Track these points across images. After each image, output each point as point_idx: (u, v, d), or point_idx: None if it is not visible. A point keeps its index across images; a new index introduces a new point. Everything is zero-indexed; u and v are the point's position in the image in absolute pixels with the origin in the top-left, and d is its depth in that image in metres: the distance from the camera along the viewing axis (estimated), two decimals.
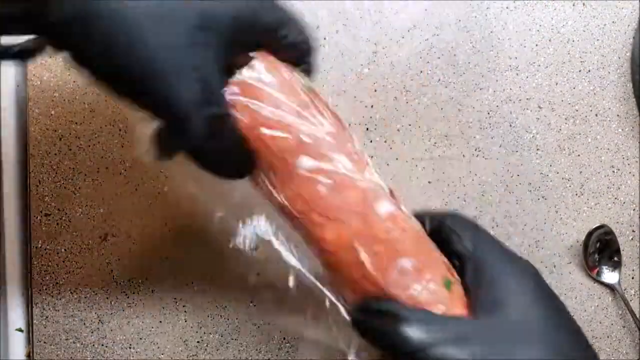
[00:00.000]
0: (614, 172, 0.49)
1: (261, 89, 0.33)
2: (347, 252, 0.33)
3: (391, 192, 0.34)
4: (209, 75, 0.31)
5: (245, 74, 0.33)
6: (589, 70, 0.49)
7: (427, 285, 0.32)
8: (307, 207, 0.33)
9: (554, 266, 0.49)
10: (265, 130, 0.33)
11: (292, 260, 0.35)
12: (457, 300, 0.33)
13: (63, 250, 0.48)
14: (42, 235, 0.49)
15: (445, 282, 0.33)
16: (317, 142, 0.33)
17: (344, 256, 0.33)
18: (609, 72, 0.49)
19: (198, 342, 0.49)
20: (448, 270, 0.34)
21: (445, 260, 0.34)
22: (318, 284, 0.35)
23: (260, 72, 0.33)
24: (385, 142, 0.49)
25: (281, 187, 0.34)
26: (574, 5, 0.49)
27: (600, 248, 0.49)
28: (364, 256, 0.32)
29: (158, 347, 0.49)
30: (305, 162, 0.33)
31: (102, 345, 0.48)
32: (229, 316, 0.49)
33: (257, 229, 0.37)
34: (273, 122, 0.33)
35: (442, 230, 0.35)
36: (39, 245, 0.49)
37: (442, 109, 0.49)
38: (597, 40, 0.49)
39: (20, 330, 0.49)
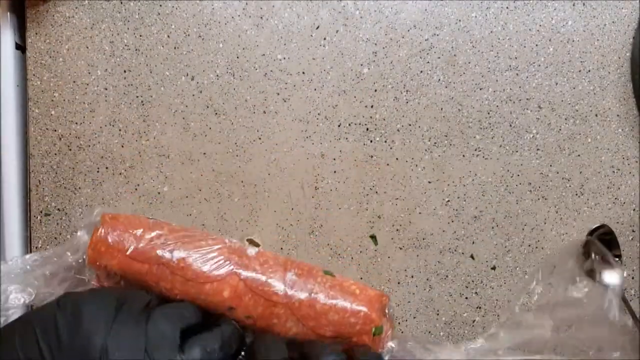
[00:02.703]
0: (614, 172, 0.49)
1: None
2: None
3: None
4: None
5: None
6: (589, 70, 0.49)
7: None
8: None
9: (554, 266, 0.49)
10: None
11: None
12: None
13: None
14: (42, 235, 0.49)
15: None
16: None
17: None
18: (609, 72, 0.49)
19: None
20: None
21: None
22: None
23: None
24: (385, 142, 0.49)
25: None
26: (574, 5, 0.49)
27: None
28: None
29: None
30: None
31: None
32: None
33: None
34: None
35: None
36: (39, 245, 0.49)
37: (442, 109, 0.49)
38: (597, 40, 0.49)
39: None
